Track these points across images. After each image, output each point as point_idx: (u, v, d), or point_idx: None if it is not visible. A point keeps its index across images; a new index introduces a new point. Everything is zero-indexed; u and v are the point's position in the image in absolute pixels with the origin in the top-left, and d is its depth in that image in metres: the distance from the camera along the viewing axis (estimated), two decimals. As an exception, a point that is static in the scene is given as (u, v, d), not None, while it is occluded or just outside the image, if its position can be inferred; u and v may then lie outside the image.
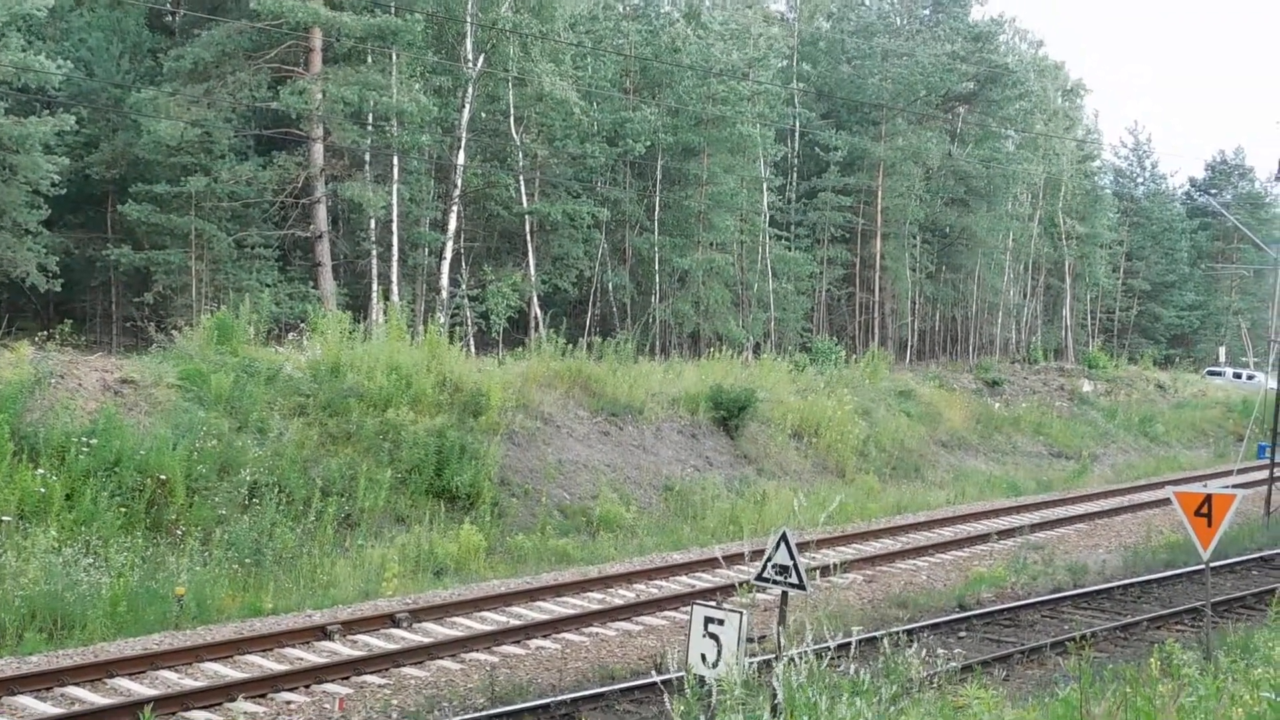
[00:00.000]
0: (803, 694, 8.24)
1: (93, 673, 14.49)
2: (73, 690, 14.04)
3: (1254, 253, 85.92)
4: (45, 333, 25.78)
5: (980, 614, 19.22)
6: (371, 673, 15.24)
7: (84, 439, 19.31)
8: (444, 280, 41.00)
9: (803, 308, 57.62)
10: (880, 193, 60.57)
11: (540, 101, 43.93)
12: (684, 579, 21.41)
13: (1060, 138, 75.19)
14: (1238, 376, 69.84)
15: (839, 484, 31.66)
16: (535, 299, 44.66)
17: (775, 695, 8.70)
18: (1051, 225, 75.75)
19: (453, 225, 41.30)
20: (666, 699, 9.55)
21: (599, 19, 52.81)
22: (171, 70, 36.77)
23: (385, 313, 31.91)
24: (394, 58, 38.76)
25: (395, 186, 39.50)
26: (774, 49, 56.94)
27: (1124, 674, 10.69)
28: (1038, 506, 31.98)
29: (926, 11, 70.99)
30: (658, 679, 12.28)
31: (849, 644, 10.27)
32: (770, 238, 54.61)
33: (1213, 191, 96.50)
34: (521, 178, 45.19)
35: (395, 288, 39.14)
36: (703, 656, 10.57)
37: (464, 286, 42.32)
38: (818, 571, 19.95)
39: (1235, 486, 18.19)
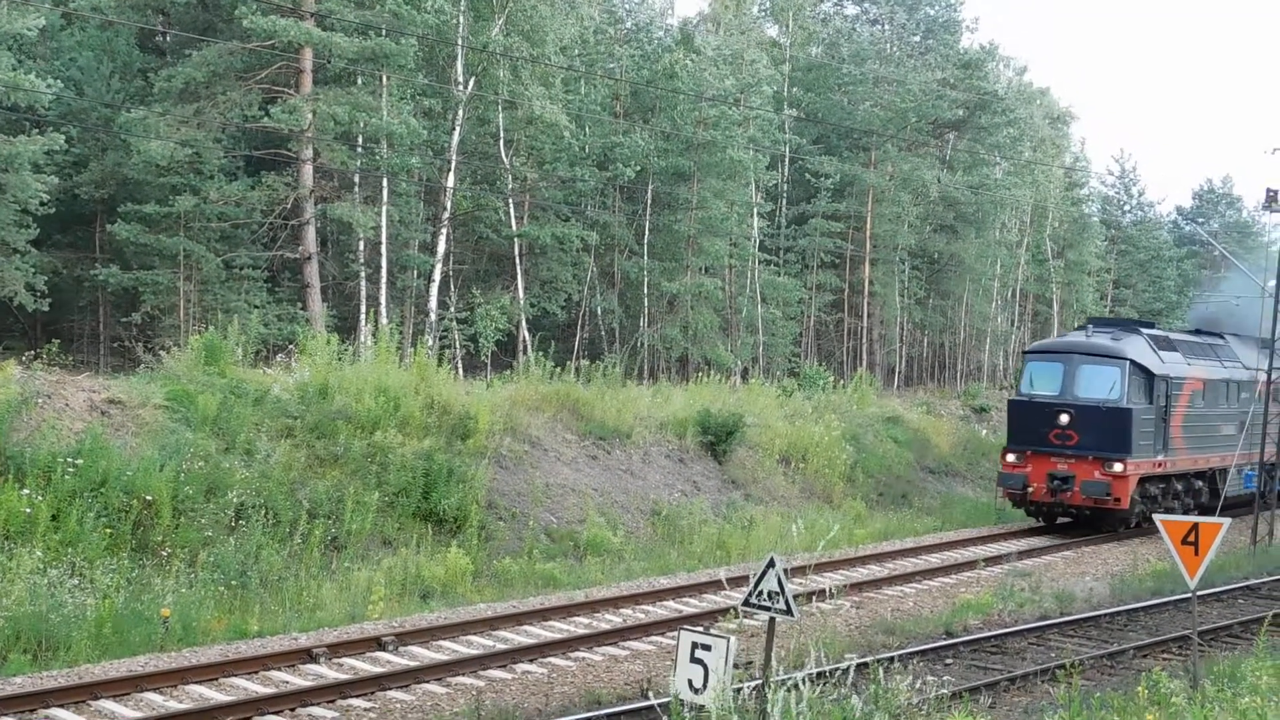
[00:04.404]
0: (792, 721, 8.24)
1: (77, 695, 14.43)
2: (57, 712, 13.98)
3: (1241, 281, 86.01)
4: (32, 352, 25.67)
5: (967, 641, 19.17)
6: (357, 696, 15.19)
7: (70, 459, 19.24)
8: (432, 303, 40.98)
9: (791, 333, 57.56)
10: (870, 219, 60.62)
11: (530, 125, 44.00)
12: (671, 604, 21.38)
13: (1047, 165, 75.35)
14: None
15: (826, 509, 31.66)
16: (524, 322, 44.63)
17: (764, 721, 8.69)
18: (1038, 252, 75.85)
19: (442, 248, 41.29)
20: (666, 720, 9.54)
21: (590, 43, 52.87)
22: (162, 90, 36.73)
23: (374, 335, 31.85)
24: (384, 80, 38.80)
25: (384, 208, 39.48)
26: (766, 76, 57.00)
27: (1112, 702, 10.72)
28: (1024, 534, 31.97)
29: (917, 39, 71.21)
30: (655, 702, 12.24)
31: (835, 670, 10.25)
32: (760, 263, 54.64)
33: (1200, 220, 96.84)
34: (511, 201, 45.19)
35: (384, 310, 39.10)
36: (689, 682, 10.53)
37: (452, 309, 42.29)
38: (811, 597, 19.96)
39: (1222, 514, 18.23)
